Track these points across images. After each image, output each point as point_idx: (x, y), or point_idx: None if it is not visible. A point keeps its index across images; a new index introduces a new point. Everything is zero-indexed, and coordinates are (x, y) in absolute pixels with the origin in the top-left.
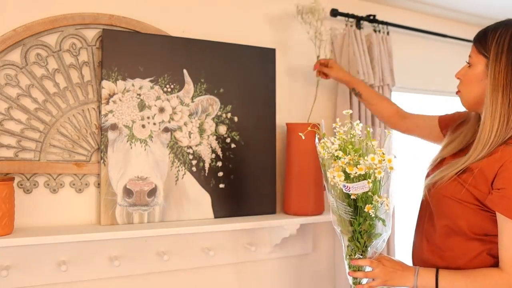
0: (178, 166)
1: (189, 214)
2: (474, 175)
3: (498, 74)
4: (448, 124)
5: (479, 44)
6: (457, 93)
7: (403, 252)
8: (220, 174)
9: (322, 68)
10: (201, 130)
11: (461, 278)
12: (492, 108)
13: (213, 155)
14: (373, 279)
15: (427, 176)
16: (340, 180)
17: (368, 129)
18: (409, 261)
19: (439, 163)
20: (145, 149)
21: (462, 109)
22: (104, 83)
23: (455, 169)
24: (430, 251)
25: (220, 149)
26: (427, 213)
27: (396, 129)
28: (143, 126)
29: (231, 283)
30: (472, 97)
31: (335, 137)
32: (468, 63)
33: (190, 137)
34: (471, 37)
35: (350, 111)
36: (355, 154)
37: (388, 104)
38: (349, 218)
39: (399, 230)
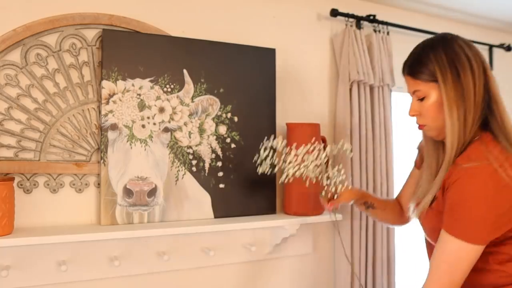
0: (178, 166)
1: (189, 214)
2: (438, 200)
3: (450, 93)
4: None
5: (422, 73)
6: (420, 127)
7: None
8: (220, 174)
9: (335, 202)
10: (201, 130)
11: None
12: (453, 128)
13: (213, 155)
14: None
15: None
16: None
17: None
18: None
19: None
20: (145, 149)
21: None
22: (104, 83)
23: (427, 201)
24: None
25: (220, 149)
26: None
27: (411, 221)
28: (143, 126)
29: (231, 283)
30: (441, 126)
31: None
32: (417, 97)
33: (190, 137)
34: (471, 37)
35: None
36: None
37: (395, 205)
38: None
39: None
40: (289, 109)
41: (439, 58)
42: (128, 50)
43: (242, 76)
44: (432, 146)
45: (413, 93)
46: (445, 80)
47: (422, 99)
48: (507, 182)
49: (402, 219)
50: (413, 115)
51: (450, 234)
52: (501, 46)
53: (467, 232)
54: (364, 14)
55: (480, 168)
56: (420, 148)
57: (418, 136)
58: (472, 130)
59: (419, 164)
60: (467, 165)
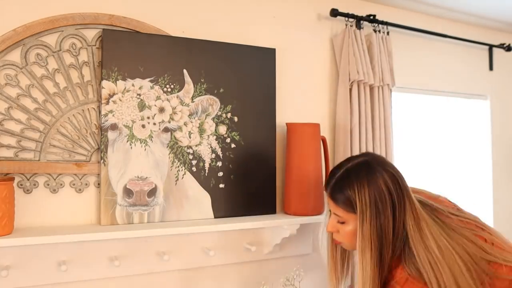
0: (178, 166)
1: (189, 214)
2: None
3: (366, 232)
4: None
5: (342, 203)
6: (337, 242)
7: None
8: (220, 174)
9: None
10: (201, 130)
11: None
12: (364, 273)
13: (213, 155)
14: None
15: None
16: None
17: None
18: None
19: None
20: (145, 149)
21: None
22: (104, 83)
23: None
24: None
25: (220, 149)
26: None
27: None
28: (143, 126)
29: (231, 283)
30: (356, 246)
31: None
32: (337, 219)
33: (190, 137)
34: (471, 37)
35: None
36: None
37: None
38: None
39: None
40: (289, 109)
41: (362, 192)
42: (128, 50)
43: (242, 76)
44: (340, 250)
45: (333, 213)
46: (363, 217)
47: (341, 223)
48: None
49: None
50: (330, 231)
51: None
52: (501, 46)
53: None
54: (364, 14)
55: None
56: None
57: (417, 136)
58: (387, 264)
59: None
60: None
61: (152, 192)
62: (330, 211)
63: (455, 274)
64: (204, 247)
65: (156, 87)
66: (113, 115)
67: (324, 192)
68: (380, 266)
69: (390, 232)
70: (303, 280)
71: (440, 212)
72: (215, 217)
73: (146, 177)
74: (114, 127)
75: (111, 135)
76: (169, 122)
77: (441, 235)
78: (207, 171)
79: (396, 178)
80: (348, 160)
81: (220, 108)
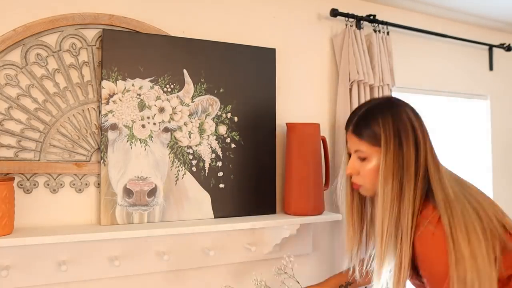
0: (178, 166)
1: (189, 214)
2: None
3: (389, 161)
4: None
5: (367, 136)
6: (355, 187)
7: None
8: (220, 174)
9: None
10: (201, 130)
11: None
12: (384, 199)
13: (213, 155)
14: None
15: None
16: None
17: None
18: None
19: None
20: (145, 149)
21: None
22: (104, 83)
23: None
24: None
25: (220, 149)
26: None
27: None
28: (143, 126)
29: (231, 283)
30: (377, 187)
31: None
32: (359, 157)
33: (190, 137)
34: (471, 37)
35: None
36: None
37: None
38: None
39: None
40: (289, 109)
41: (386, 124)
42: (128, 50)
43: (242, 76)
44: (358, 199)
45: (354, 151)
46: (387, 148)
47: (363, 159)
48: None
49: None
50: (350, 174)
51: None
52: (501, 46)
53: None
54: (364, 14)
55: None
56: None
57: None
58: (412, 202)
59: None
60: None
61: (152, 192)
62: (349, 154)
63: (465, 219)
64: (204, 247)
65: (156, 87)
66: (113, 115)
67: (345, 132)
68: (400, 200)
69: (412, 166)
70: (302, 279)
71: (459, 177)
72: (215, 217)
73: (146, 177)
74: (114, 127)
75: (111, 135)
76: (169, 122)
77: (456, 185)
78: (207, 171)
79: (419, 117)
80: (369, 101)
81: (220, 108)
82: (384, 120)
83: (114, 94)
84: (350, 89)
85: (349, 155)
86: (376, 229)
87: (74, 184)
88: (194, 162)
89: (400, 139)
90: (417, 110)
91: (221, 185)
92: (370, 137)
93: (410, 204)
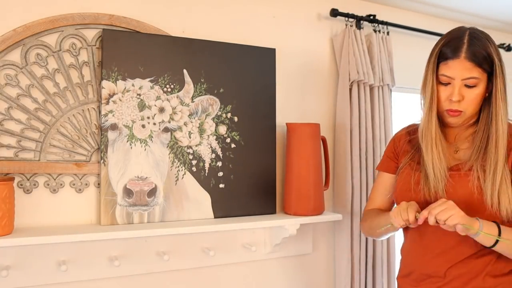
0: (178, 166)
1: (189, 214)
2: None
3: (501, 87)
4: (394, 162)
5: (485, 63)
6: (456, 113)
7: None
8: (220, 174)
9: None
10: (201, 130)
11: None
12: (503, 115)
13: (213, 155)
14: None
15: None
16: None
17: None
18: None
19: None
20: (145, 149)
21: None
22: (104, 83)
23: (501, 174)
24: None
25: (220, 149)
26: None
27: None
28: (143, 126)
29: (231, 283)
30: (474, 113)
31: None
32: (468, 84)
33: (190, 137)
34: None
35: None
36: None
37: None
38: None
39: None
40: (289, 109)
41: (496, 51)
42: (128, 50)
43: (242, 76)
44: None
45: (465, 79)
46: (500, 73)
47: (471, 86)
48: None
49: None
50: (458, 100)
51: None
52: (501, 46)
53: None
54: (364, 14)
55: None
56: (392, 151)
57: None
58: None
59: (393, 168)
60: None
61: (152, 192)
62: (448, 83)
63: None
64: (204, 247)
65: (156, 87)
66: (113, 115)
67: (448, 60)
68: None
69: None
70: (302, 279)
71: None
72: (215, 217)
73: (146, 177)
74: (114, 127)
75: (111, 135)
76: (169, 122)
77: None
78: (207, 171)
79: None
80: (458, 28)
81: (220, 108)
82: (495, 48)
83: (114, 94)
84: (350, 89)
85: (443, 84)
86: (493, 148)
87: (74, 184)
88: (194, 162)
89: (502, 65)
90: None
91: (221, 185)
92: (487, 64)
93: None
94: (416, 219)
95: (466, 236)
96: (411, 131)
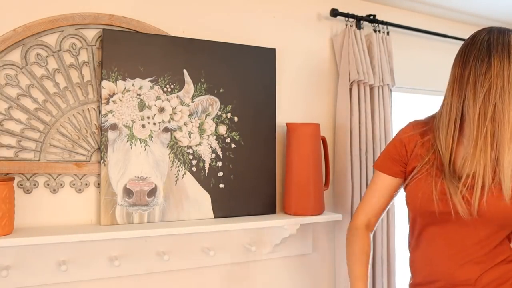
0: (178, 166)
1: (189, 214)
2: None
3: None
4: (400, 166)
5: None
6: None
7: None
8: (220, 174)
9: None
10: (201, 130)
11: None
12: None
13: (213, 155)
14: None
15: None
16: None
17: None
18: None
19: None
20: (145, 149)
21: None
22: (104, 83)
23: None
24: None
25: (220, 149)
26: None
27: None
28: (143, 126)
29: (231, 283)
30: None
31: None
32: None
33: (190, 137)
34: None
35: None
36: None
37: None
38: None
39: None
40: (289, 109)
41: None
42: (128, 50)
43: (242, 76)
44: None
45: None
46: None
47: None
48: None
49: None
50: None
51: None
52: None
53: None
54: (364, 14)
55: None
56: (399, 153)
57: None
58: None
59: (397, 172)
60: None
61: (152, 192)
62: None
63: None
64: (204, 247)
65: (156, 87)
66: (113, 115)
67: None
68: None
69: None
70: (302, 279)
71: None
72: (215, 217)
73: (146, 177)
74: (114, 127)
75: (111, 135)
76: (169, 122)
77: None
78: (207, 171)
79: None
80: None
81: (220, 108)
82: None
83: (114, 94)
84: (350, 89)
85: None
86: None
87: (74, 184)
88: (194, 162)
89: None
90: None
91: (221, 185)
92: None
93: None
94: None
95: (499, 242)
96: (423, 133)
